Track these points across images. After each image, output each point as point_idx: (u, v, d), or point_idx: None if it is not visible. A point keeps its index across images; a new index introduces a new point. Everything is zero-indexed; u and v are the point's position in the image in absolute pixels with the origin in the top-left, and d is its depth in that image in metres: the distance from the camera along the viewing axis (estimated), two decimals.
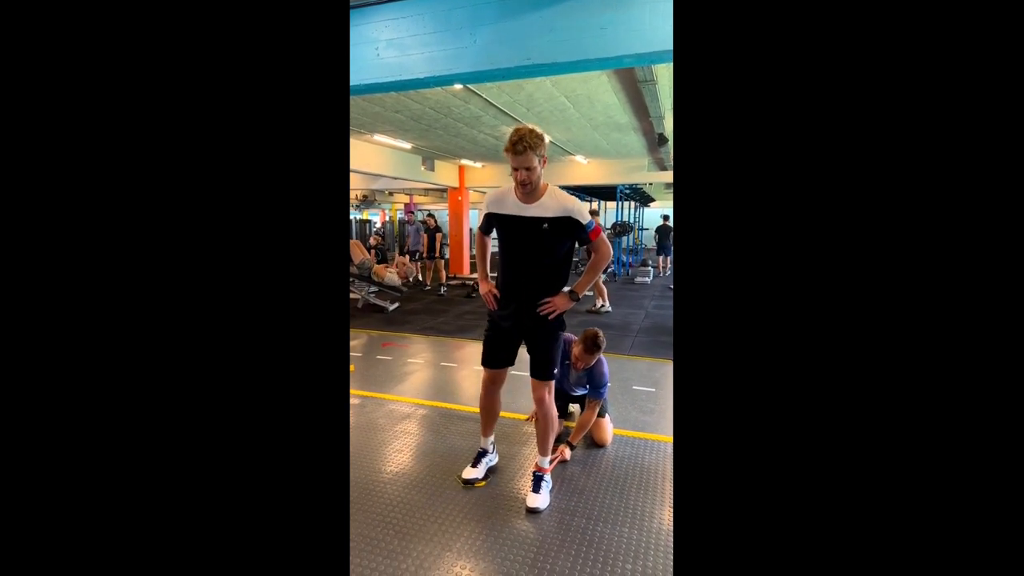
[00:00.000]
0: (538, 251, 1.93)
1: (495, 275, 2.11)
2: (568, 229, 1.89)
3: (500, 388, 2.18)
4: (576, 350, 2.37)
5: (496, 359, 2.11)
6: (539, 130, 1.82)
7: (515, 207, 1.90)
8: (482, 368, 2.14)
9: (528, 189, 1.85)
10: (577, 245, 1.99)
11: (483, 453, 2.26)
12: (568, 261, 2.00)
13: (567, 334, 2.25)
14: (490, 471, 2.26)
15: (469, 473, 2.19)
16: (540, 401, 2.05)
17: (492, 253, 2.19)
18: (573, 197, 1.93)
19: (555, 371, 2.06)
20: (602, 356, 2.44)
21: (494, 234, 2.08)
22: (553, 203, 1.87)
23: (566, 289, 1.99)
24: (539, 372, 2.04)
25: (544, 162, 1.85)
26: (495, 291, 2.06)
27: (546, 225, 1.87)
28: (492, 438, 2.28)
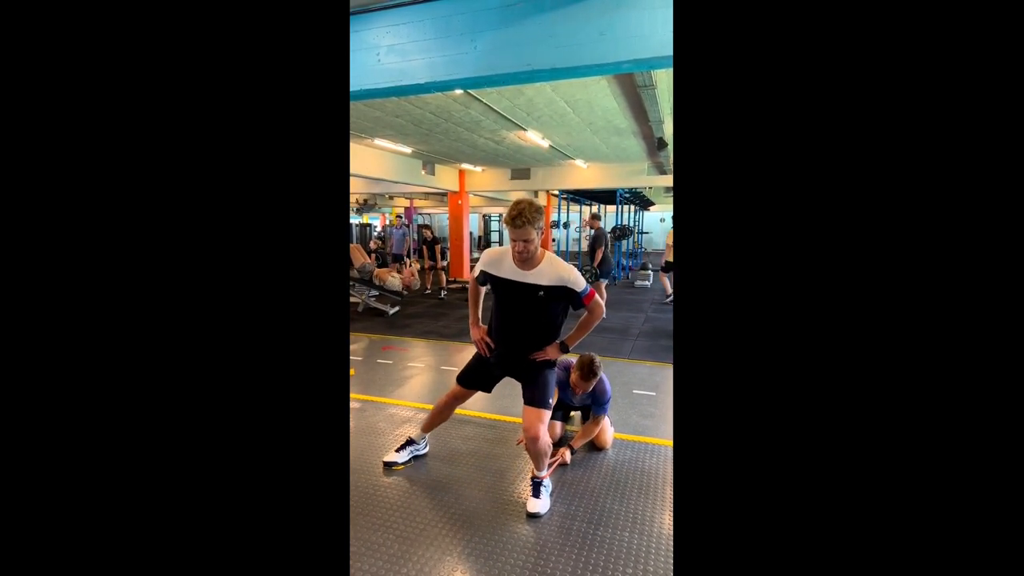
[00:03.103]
0: (533, 314, 2.02)
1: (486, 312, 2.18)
2: (563, 296, 1.96)
3: (461, 404, 2.32)
4: (574, 377, 2.39)
5: (473, 382, 2.23)
6: (538, 203, 1.90)
7: (512, 272, 1.97)
8: (455, 381, 2.21)
9: (525, 258, 1.91)
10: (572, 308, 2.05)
11: (411, 442, 2.41)
12: (563, 319, 2.08)
13: (566, 357, 2.26)
14: (415, 459, 2.41)
15: (390, 456, 2.35)
16: (535, 439, 1.98)
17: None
18: (569, 266, 1.98)
19: (550, 400, 2.06)
20: (603, 375, 2.44)
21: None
22: (550, 271, 1.93)
23: (558, 341, 2.08)
24: (533, 399, 2.02)
25: (542, 233, 1.92)
26: (487, 339, 2.13)
27: (542, 292, 1.94)
28: (427, 435, 2.44)
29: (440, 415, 2.35)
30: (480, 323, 2.21)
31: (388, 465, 2.32)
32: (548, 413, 2.04)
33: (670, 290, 7.59)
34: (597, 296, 2.02)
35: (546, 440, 2.03)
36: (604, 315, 2.10)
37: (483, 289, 2.19)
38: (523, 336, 2.06)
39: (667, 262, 7.47)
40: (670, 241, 7.34)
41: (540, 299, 1.95)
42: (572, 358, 2.43)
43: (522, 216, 1.82)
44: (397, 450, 2.37)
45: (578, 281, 1.94)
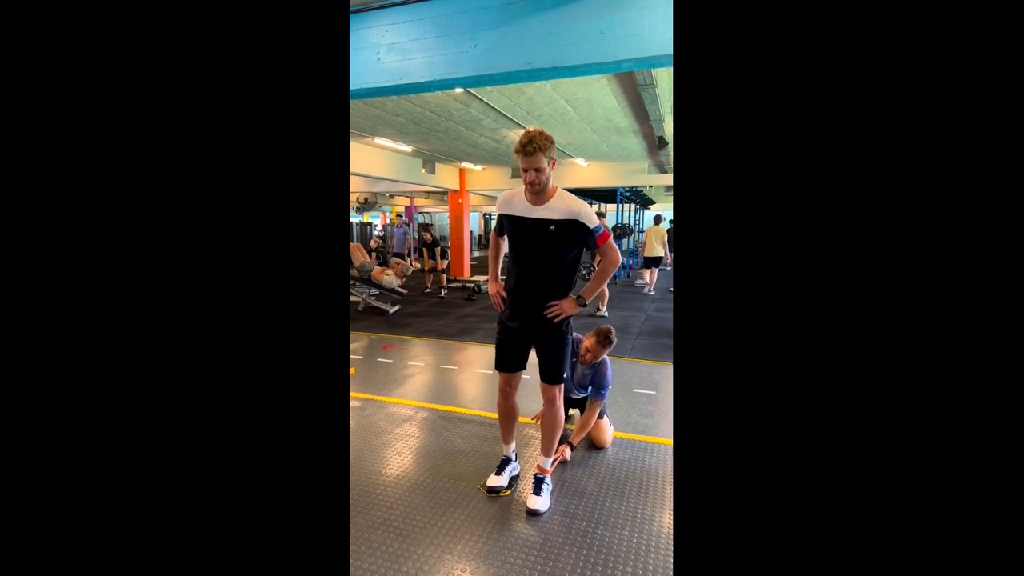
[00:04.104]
0: (545, 253, 1.94)
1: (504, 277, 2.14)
2: (575, 232, 1.89)
3: (516, 392, 2.18)
4: (588, 342, 2.43)
5: (508, 363, 2.11)
6: (548, 132, 1.84)
7: (524, 208, 1.92)
8: (496, 373, 2.15)
9: (537, 189, 1.86)
10: (585, 250, 2.00)
11: (507, 461, 2.24)
12: (575, 266, 2.01)
13: (576, 334, 2.29)
14: (513, 480, 2.23)
15: (494, 481, 2.17)
16: (551, 401, 2.07)
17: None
18: (582, 201, 1.93)
19: (563, 375, 2.07)
20: (607, 358, 2.47)
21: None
22: (561, 206, 1.89)
23: (573, 294, 2.01)
24: (548, 376, 2.06)
25: (553, 164, 1.87)
26: (503, 293, 2.08)
27: (553, 227, 1.88)
28: (513, 445, 2.27)
29: (507, 417, 2.20)
30: (498, 278, 2.18)
31: (493, 491, 2.14)
32: (562, 387, 2.09)
33: (651, 284, 8.05)
34: (611, 239, 1.98)
35: (561, 410, 2.09)
36: (620, 262, 2.05)
37: (503, 243, 2.15)
38: (536, 279, 1.98)
39: (646, 258, 7.92)
40: (651, 238, 7.79)
41: (551, 235, 1.88)
42: (581, 336, 2.47)
43: (533, 143, 1.78)
44: (497, 473, 2.20)
45: (591, 216, 1.89)
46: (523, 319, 2.02)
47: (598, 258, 2.03)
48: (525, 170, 1.83)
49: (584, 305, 1.98)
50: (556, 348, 2.02)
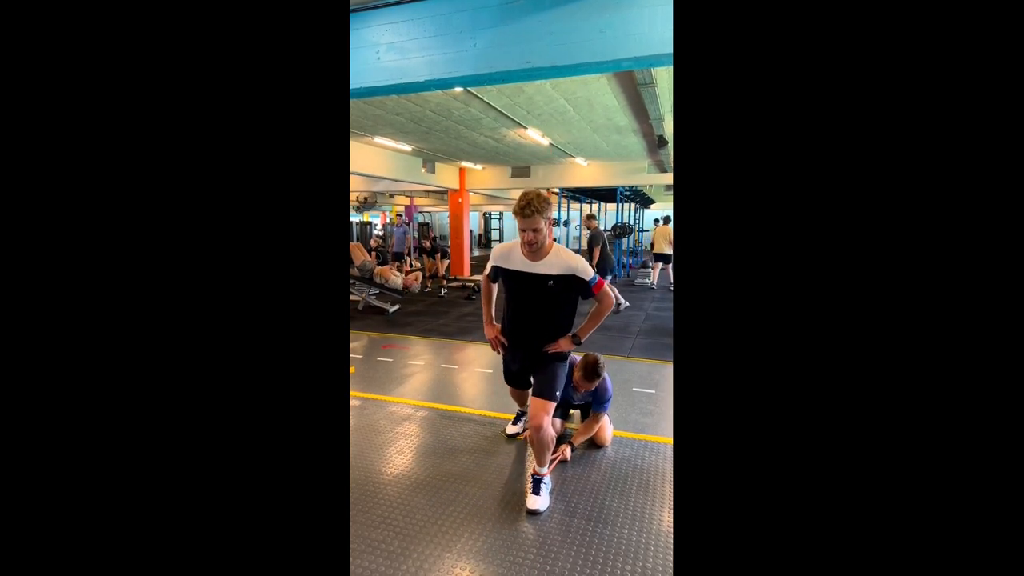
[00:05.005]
0: (544, 305, 2.05)
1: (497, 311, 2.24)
2: (573, 286, 1.99)
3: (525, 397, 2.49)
4: (577, 376, 2.39)
5: (512, 382, 2.38)
6: (545, 194, 1.93)
7: (521, 263, 2.00)
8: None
9: (535, 248, 1.94)
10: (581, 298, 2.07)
11: (522, 414, 2.67)
12: (573, 311, 2.11)
13: (573, 355, 2.33)
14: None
15: (511, 429, 2.67)
16: (537, 428, 2.02)
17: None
18: (577, 256, 2.02)
19: (558, 393, 2.09)
20: (606, 375, 2.43)
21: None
22: (558, 262, 1.96)
23: (570, 333, 2.10)
24: (542, 391, 2.07)
25: (550, 223, 1.95)
26: (502, 338, 2.18)
27: (552, 282, 1.97)
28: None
29: (519, 397, 2.53)
30: (493, 321, 2.25)
31: (512, 436, 2.64)
32: (553, 405, 2.07)
33: (655, 279, 8.57)
34: (606, 286, 2.05)
35: (549, 432, 2.07)
36: (613, 305, 2.14)
37: (495, 287, 2.23)
38: (534, 328, 2.09)
39: (656, 255, 8.50)
40: (659, 238, 8.44)
41: (550, 289, 1.97)
42: (579, 356, 2.45)
43: (531, 206, 1.86)
44: (514, 423, 2.69)
45: (586, 270, 1.98)
46: (523, 362, 2.18)
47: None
48: (523, 230, 1.91)
49: (579, 343, 2.10)
50: (553, 366, 2.10)
